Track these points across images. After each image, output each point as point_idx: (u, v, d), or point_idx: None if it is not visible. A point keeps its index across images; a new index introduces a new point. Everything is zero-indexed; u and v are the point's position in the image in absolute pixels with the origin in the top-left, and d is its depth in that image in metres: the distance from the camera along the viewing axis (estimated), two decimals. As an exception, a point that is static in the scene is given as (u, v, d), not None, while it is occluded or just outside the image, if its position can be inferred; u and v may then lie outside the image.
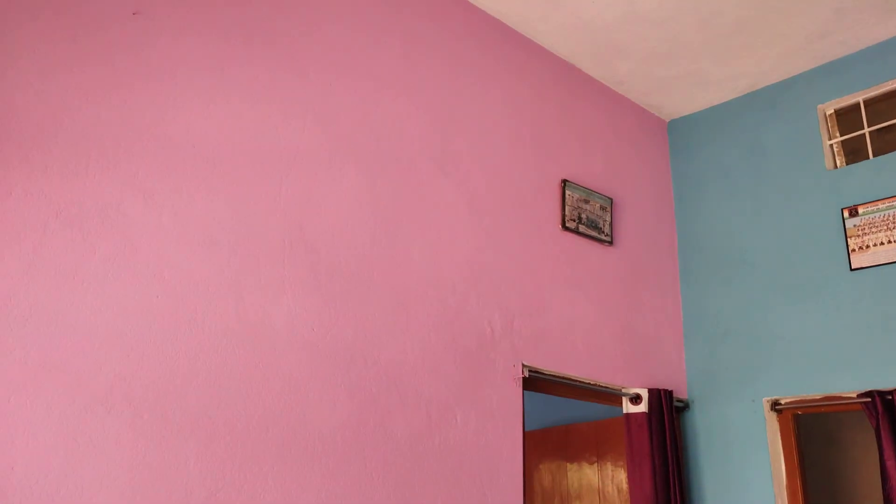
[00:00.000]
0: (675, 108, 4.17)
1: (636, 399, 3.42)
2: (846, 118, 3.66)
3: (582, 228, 3.48)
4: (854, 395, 3.17)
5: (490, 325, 2.94)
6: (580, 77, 3.79)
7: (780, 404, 3.44)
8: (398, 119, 2.87)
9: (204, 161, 2.28)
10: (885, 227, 3.24)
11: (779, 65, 3.71)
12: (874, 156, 3.46)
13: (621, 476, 3.75)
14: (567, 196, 3.45)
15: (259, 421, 2.18)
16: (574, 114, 3.68)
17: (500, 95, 3.31)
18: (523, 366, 3.00)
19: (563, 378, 3.17)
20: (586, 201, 3.54)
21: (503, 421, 2.86)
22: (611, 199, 3.68)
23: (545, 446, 4.25)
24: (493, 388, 2.87)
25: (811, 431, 4.21)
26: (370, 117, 2.77)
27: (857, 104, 3.60)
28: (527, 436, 2.99)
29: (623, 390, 3.42)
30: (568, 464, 4.10)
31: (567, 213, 3.42)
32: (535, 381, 3.07)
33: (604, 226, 3.60)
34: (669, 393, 3.49)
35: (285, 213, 2.42)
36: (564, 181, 3.46)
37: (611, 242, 3.61)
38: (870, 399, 3.06)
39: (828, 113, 3.69)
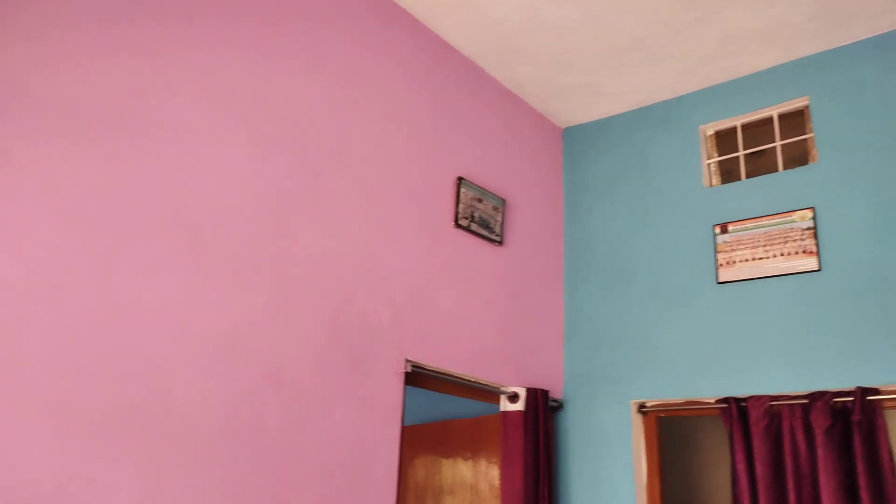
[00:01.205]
0: (570, 116, 4.29)
1: (514, 397, 3.49)
2: (724, 140, 3.89)
3: (474, 227, 3.50)
4: (712, 401, 3.38)
5: (376, 318, 2.90)
6: (482, 77, 3.81)
7: (645, 407, 3.62)
8: (295, 101, 2.77)
9: (75, 125, 2.09)
10: (751, 245, 3.48)
11: (668, 84, 3.89)
12: (746, 177, 3.70)
13: (494, 472, 3.82)
14: (462, 194, 3.46)
15: (120, 409, 2.04)
16: (474, 112, 3.70)
17: (401, 87, 3.27)
18: (406, 360, 2.98)
19: (445, 374, 3.18)
20: (480, 200, 3.57)
21: (382, 415, 2.84)
22: (503, 200, 3.73)
23: (422, 441, 4.26)
24: (375, 382, 2.83)
25: (672, 433, 4.46)
26: (265, 97, 2.66)
27: (735, 128, 3.84)
28: (405, 430, 2.98)
29: (502, 388, 3.49)
30: (443, 459, 4.13)
31: (460, 210, 3.44)
32: (417, 377, 3.07)
33: (495, 226, 3.64)
34: (545, 393, 3.58)
35: (164, 188, 2.27)
36: (460, 179, 3.47)
37: (501, 243, 3.66)
38: (726, 405, 3.27)
39: (708, 134, 3.91)
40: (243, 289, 2.43)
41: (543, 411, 3.53)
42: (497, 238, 3.64)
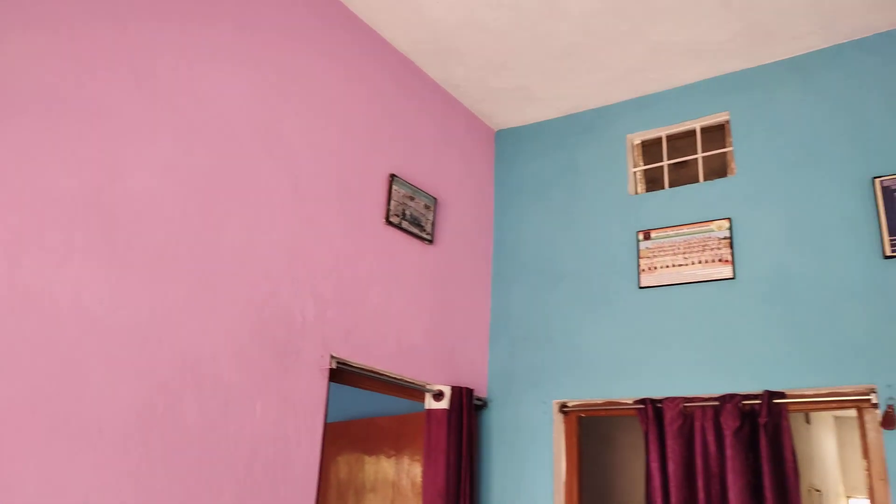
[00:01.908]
0: (503, 119, 4.34)
1: (439, 395, 3.51)
2: (650, 149, 4.02)
3: (405, 225, 3.50)
4: (630, 402, 3.48)
5: (302, 313, 2.86)
6: (417, 74, 3.81)
7: (567, 407, 3.70)
8: (224, 89, 2.70)
9: (-14, 102, 1.99)
10: (671, 252, 3.60)
11: (598, 92, 3.98)
12: (669, 186, 3.83)
13: (417, 470, 3.83)
14: (393, 191, 3.45)
15: (25, 401, 1.94)
16: (408, 110, 3.70)
17: (335, 81, 3.24)
18: (332, 357, 2.95)
19: (371, 371, 3.17)
20: (412, 198, 3.57)
21: (305, 412, 2.80)
22: (435, 199, 3.74)
23: (345, 438, 4.23)
24: (299, 378, 2.79)
25: (591, 432, 4.57)
26: (193, 82, 2.58)
27: (660, 138, 3.96)
28: (328, 427, 2.95)
29: (427, 386, 3.50)
30: (366, 456, 4.11)
31: (392, 207, 3.43)
32: (342, 373, 3.04)
33: (426, 224, 3.65)
34: (470, 391, 3.62)
35: (81, 172, 2.18)
36: (392, 176, 3.46)
37: (431, 241, 3.67)
38: (643, 406, 3.38)
39: (635, 143, 4.03)
40: (162, 279, 2.35)
41: (468, 410, 3.56)
42: (428, 237, 3.65)
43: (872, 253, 3.10)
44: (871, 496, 2.90)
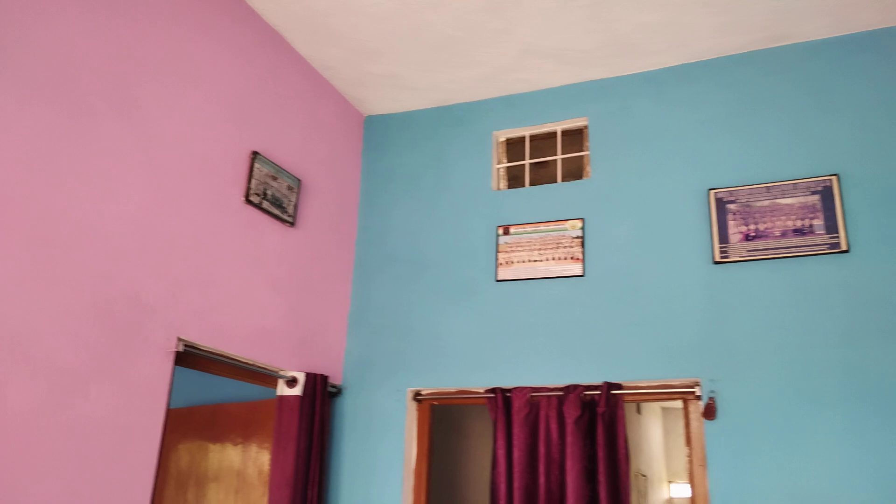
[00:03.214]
0: (374, 105, 4.30)
1: (292, 382, 3.43)
2: (513, 148, 4.15)
3: (266, 205, 3.38)
4: (482, 391, 3.59)
5: (148, 292, 2.69)
6: (289, 51, 3.69)
7: (421, 395, 3.75)
8: (73, 43, 2.46)
9: None
10: (528, 248, 3.74)
11: (469, 87, 4.05)
12: (529, 185, 3.97)
13: (265, 458, 3.73)
14: (255, 169, 3.32)
15: None
16: (276, 87, 3.57)
17: (199, 48, 3.06)
18: (179, 339, 2.80)
19: (221, 356, 3.04)
20: (274, 178, 3.46)
21: (146, 397, 2.64)
22: (299, 181, 3.65)
23: (190, 425, 4.04)
24: (141, 361, 2.62)
25: (443, 420, 4.67)
26: (36, 32, 2.33)
27: (524, 137, 4.10)
28: (171, 414, 2.80)
29: (280, 372, 3.41)
30: (211, 444, 3.95)
31: (253, 186, 3.30)
32: (189, 357, 2.89)
33: (288, 206, 3.55)
34: (325, 378, 3.57)
35: None
36: (255, 153, 3.33)
37: (293, 224, 3.58)
38: (493, 395, 3.50)
39: (500, 140, 4.14)
40: (-12, 248, 2.12)
41: (321, 397, 3.51)
42: (289, 219, 3.55)
43: (704, 258, 3.39)
44: (692, 480, 3.18)
